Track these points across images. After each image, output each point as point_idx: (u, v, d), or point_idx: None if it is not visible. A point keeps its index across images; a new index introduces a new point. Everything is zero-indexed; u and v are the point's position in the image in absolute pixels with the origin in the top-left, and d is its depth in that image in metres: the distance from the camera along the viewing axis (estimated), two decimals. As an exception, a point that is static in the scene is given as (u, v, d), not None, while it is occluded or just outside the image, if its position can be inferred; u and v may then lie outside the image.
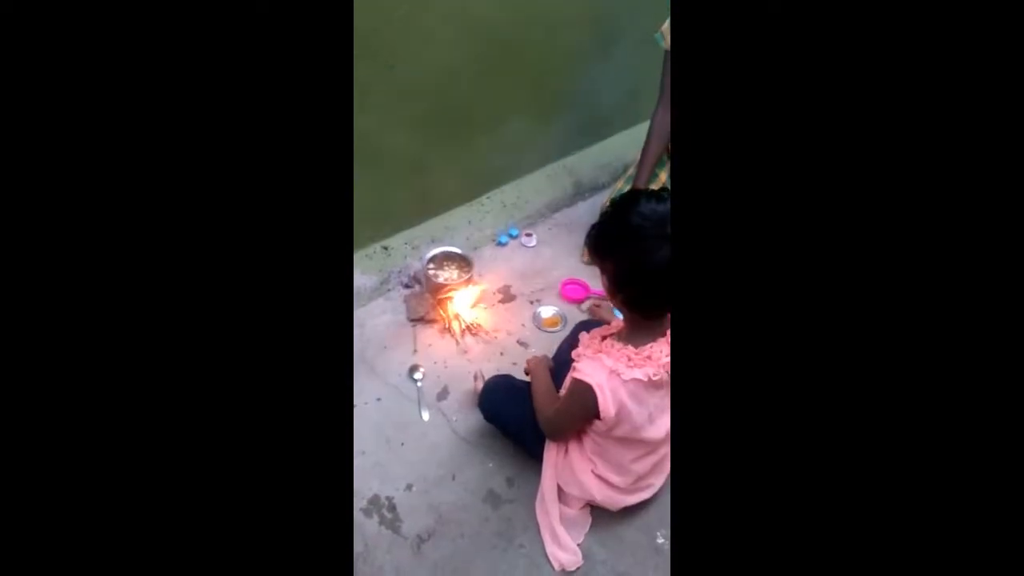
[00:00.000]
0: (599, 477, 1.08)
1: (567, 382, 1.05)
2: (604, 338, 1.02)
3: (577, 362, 1.00)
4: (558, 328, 1.53)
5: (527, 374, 1.23)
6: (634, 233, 0.85)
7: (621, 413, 0.95)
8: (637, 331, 0.96)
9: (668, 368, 0.93)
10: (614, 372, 0.93)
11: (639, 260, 0.86)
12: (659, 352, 0.93)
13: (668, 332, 0.95)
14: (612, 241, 0.90)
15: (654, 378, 0.93)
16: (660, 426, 1.02)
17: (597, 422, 0.98)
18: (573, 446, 1.10)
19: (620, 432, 0.99)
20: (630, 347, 0.94)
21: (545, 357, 1.26)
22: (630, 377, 0.92)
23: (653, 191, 0.89)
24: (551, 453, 1.13)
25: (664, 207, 0.85)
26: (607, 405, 0.93)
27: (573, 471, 1.10)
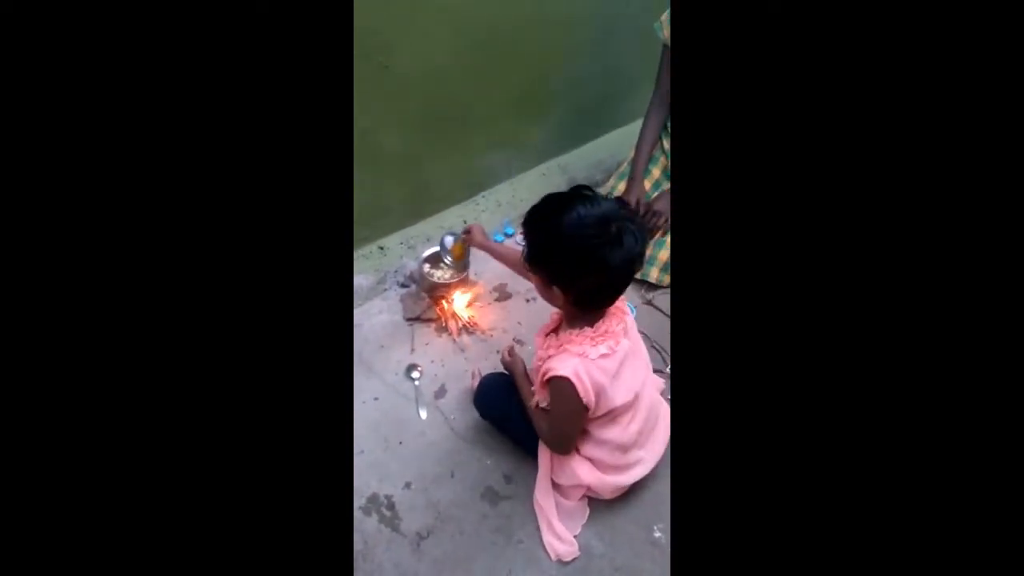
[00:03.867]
0: (587, 459, 1.10)
1: (539, 384, 1.05)
2: (552, 332, 1.05)
3: (545, 364, 1.01)
4: (465, 258, 1.48)
5: (506, 368, 1.21)
6: (580, 238, 0.87)
7: (600, 394, 0.98)
8: (579, 320, 0.99)
9: (625, 336, 0.99)
10: (583, 355, 0.95)
11: (593, 261, 0.88)
12: (611, 326, 0.98)
13: (606, 311, 0.98)
14: (556, 248, 0.91)
15: (616, 348, 0.97)
16: (628, 387, 1.02)
17: (586, 414, 1.00)
18: None
19: (602, 412, 1.01)
20: (587, 328, 0.97)
21: (519, 359, 1.21)
22: (598, 354, 0.95)
23: (575, 193, 0.91)
24: (543, 447, 1.14)
25: (598, 208, 0.88)
26: (586, 390, 0.95)
27: (561, 460, 1.11)
